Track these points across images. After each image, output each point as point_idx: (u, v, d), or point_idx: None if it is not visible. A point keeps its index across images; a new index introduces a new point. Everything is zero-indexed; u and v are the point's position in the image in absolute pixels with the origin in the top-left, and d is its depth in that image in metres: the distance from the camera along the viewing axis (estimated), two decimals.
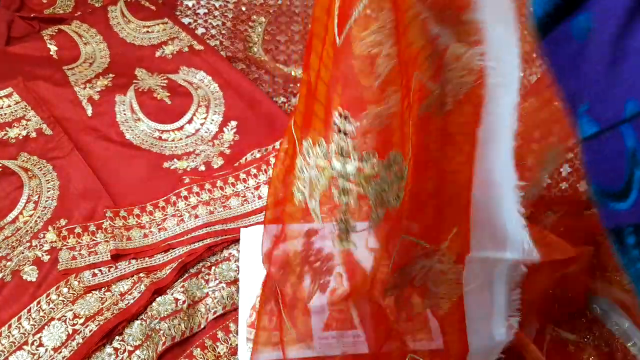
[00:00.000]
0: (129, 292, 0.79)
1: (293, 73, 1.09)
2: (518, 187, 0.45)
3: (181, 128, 0.99)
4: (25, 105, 0.98)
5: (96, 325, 0.75)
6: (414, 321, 0.75)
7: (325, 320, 0.78)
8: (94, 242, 0.83)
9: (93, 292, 0.79)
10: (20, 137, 0.95)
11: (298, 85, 1.09)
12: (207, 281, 0.83)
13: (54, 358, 0.73)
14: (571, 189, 0.91)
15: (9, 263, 0.81)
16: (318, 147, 0.48)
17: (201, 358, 0.77)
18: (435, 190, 0.49)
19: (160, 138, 0.98)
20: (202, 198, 0.88)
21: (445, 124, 0.46)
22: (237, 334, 0.78)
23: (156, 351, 0.75)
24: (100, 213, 0.86)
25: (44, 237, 0.84)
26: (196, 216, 0.86)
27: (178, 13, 1.17)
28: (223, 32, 1.15)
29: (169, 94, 1.02)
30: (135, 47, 1.10)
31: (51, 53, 1.06)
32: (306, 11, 1.20)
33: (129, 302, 0.77)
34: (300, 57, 1.13)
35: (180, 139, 0.98)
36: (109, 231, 0.82)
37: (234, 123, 1.01)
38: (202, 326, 0.80)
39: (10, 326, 0.75)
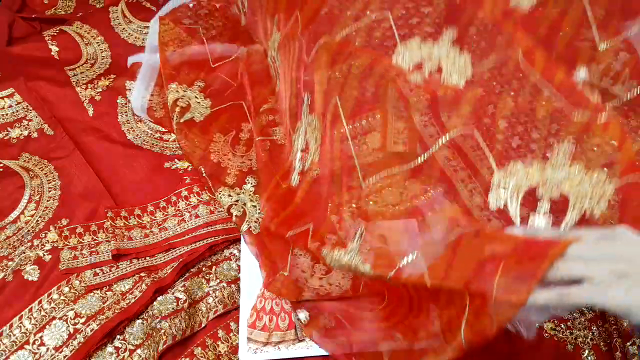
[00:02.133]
0: (130, 292, 0.79)
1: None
2: None
3: None
4: (27, 106, 0.98)
5: (97, 325, 0.75)
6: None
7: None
8: (96, 241, 0.84)
9: (94, 291, 0.79)
10: (22, 138, 0.95)
11: (298, 86, 1.09)
12: (208, 280, 0.83)
13: (55, 357, 0.73)
14: None
15: (10, 263, 0.81)
16: None
17: (202, 357, 0.77)
18: None
19: (161, 139, 0.98)
20: (202, 198, 0.89)
21: None
22: (237, 333, 0.79)
23: (157, 350, 0.75)
24: (101, 213, 0.86)
25: (45, 236, 0.84)
26: (197, 216, 0.87)
27: (179, 14, 1.18)
28: (224, 32, 1.15)
29: None
30: (137, 48, 1.10)
31: (52, 54, 1.06)
32: None
33: (130, 302, 0.78)
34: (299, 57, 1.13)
35: None
36: (110, 231, 0.83)
37: None
38: (202, 325, 0.80)
39: (11, 325, 0.75)
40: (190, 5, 1.14)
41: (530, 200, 0.56)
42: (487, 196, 0.59)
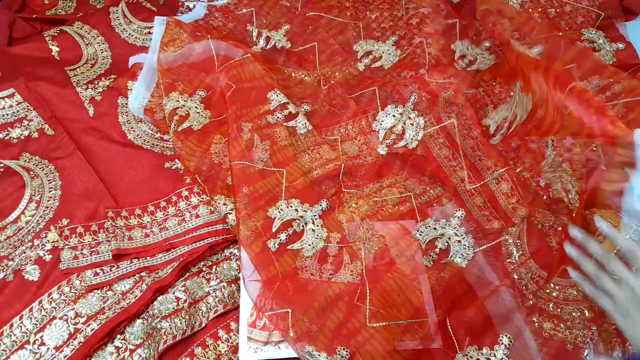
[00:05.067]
0: (131, 291, 0.79)
1: (294, 74, 1.09)
2: None
3: None
4: (27, 106, 0.99)
5: (98, 324, 0.75)
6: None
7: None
8: (96, 241, 0.84)
9: (95, 291, 0.79)
10: (22, 138, 0.95)
11: (297, 86, 1.09)
12: (208, 280, 0.84)
13: (55, 357, 0.73)
14: None
15: (10, 262, 0.81)
16: None
17: (202, 356, 0.77)
18: None
19: (161, 139, 0.98)
20: (203, 198, 0.89)
21: None
22: (238, 332, 0.79)
23: (157, 350, 0.76)
24: (102, 213, 0.86)
25: (45, 236, 0.84)
26: (197, 216, 0.87)
27: (179, 14, 1.18)
28: (224, 32, 1.15)
29: None
30: (137, 48, 1.10)
31: (53, 54, 1.07)
32: (306, 13, 1.20)
33: (130, 301, 0.78)
34: (299, 58, 1.13)
35: None
36: (111, 231, 0.83)
37: None
38: (203, 325, 0.80)
39: (12, 325, 0.75)
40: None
41: None
42: None
